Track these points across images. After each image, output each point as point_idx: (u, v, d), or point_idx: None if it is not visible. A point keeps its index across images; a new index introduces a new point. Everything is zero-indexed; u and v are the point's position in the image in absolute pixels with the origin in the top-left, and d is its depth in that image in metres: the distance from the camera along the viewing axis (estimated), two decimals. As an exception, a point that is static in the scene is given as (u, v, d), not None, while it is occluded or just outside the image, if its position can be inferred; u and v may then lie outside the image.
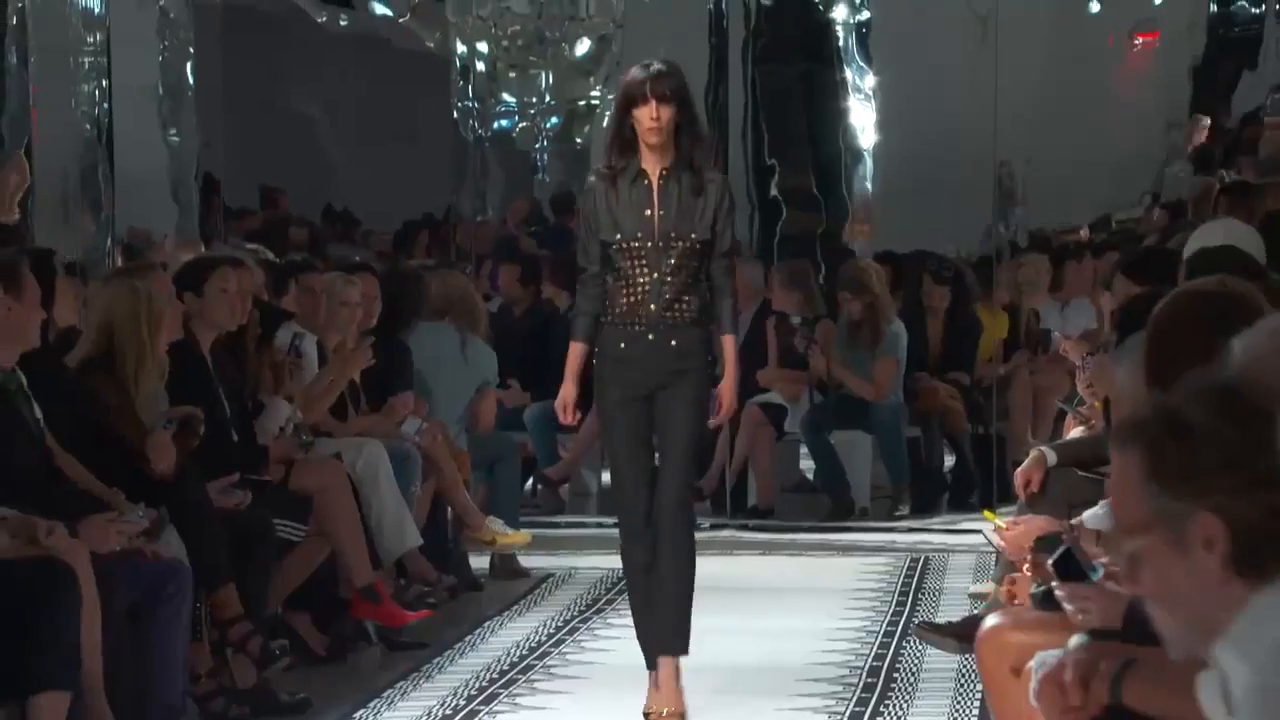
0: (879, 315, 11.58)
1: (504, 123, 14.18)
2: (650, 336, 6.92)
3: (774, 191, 12.56)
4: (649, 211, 6.90)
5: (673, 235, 6.89)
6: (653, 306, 6.90)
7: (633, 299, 6.91)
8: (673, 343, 6.92)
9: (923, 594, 9.44)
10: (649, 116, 6.85)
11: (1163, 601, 2.87)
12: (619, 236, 6.90)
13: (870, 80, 12.60)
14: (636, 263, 6.90)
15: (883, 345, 11.58)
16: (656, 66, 6.92)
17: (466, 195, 13.71)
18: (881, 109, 12.55)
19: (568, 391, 7.02)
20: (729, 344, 7.12)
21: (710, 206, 6.93)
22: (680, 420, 6.94)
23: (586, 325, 7.02)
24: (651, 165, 6.94)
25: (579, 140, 14.20)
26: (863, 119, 12.62)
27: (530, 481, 11.86)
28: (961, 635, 6.85)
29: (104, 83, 10.69)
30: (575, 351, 7.05)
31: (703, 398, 7.04)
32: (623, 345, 6.94)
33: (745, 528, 11.48)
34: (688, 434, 6.97)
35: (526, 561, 10.05)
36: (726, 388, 7.14)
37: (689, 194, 6.91)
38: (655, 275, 6.89)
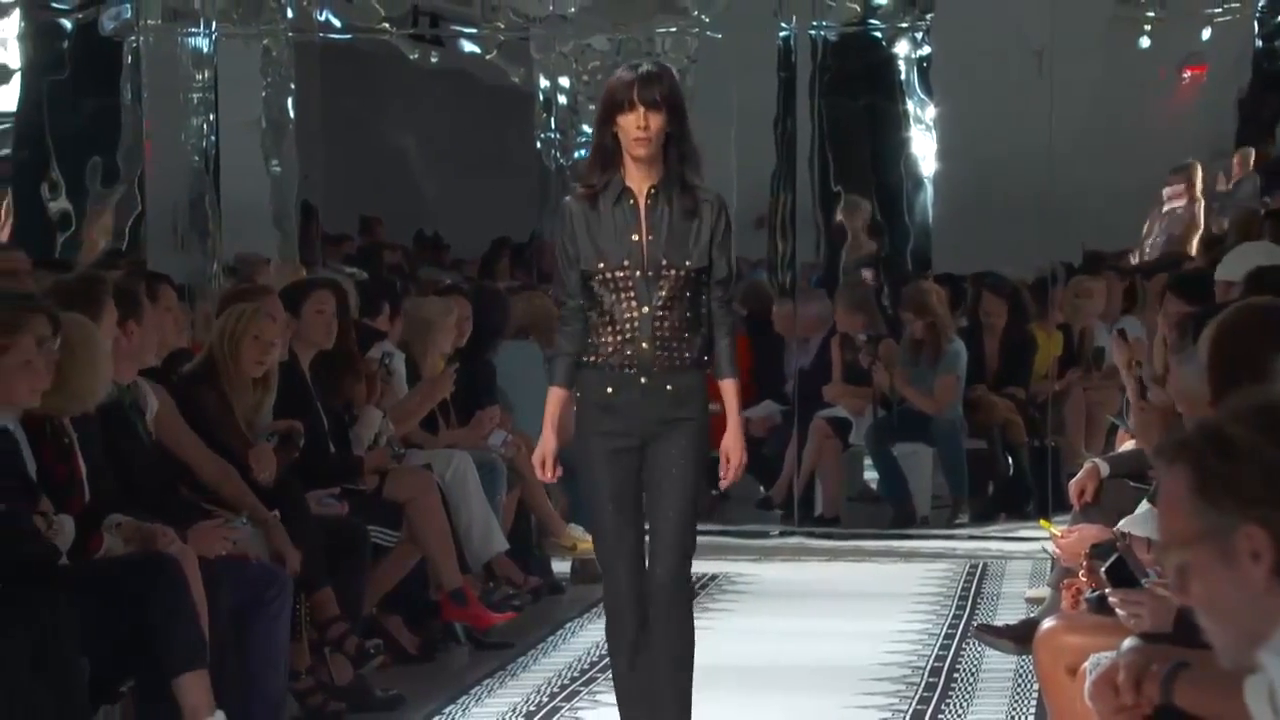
0: (940, 334, 11.55)
1: (584, 152, 14.24)
2: (643, 380, 5.67)
3: (839, 217, 12.53)
4: (635, 236, 5.67)
5: (663, 263, 5.67)
6: (644, 345, 5.67)
7: (620, 337, 5.68)
8: (668, 387, 5.68)
9: (981, 598, 9.39)
10: (636, 125, 5.62)
11: (1211, 611, 2.85)
12: (601, 266, 5.67)
13: (931, 111, 12.56)
14: (622, 295, 5.67)
15: (943, 362, 11.55)
16: (646, 68, 5.71)
17: (548, 220, 13.76)
18: (941, 139, 12.51)
19: (547, 444, 5.77)
20: (730, 390, 5.82)
21: (705, 230, 5.69)
22: (676, 479, 5.68)
23: (567, 368, 5.79)
24: (637, 182, 5.70)
25: (654, 169, 14.20)
26: (923, 148, 12.59)
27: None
28: (1019, 637, 6.82)
29: (211, 117, 10.77)
30: (554, 398, 5.80)
31: (702, 452, 5.76)
32: (609, 390, 5.69)
33: (812, 535, 11.45)
34: (685, 496, 5.69)
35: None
36: (732, 442, 5.78)
37: (681, 216, 5.68)
38: (645, 310, 5.66)
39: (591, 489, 5.74)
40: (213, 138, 10.99)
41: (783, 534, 11.38)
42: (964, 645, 8.13)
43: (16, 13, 9.90)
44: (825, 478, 11.77)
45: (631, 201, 5.69)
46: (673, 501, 5.68)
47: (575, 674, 7.73)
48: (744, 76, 12.49)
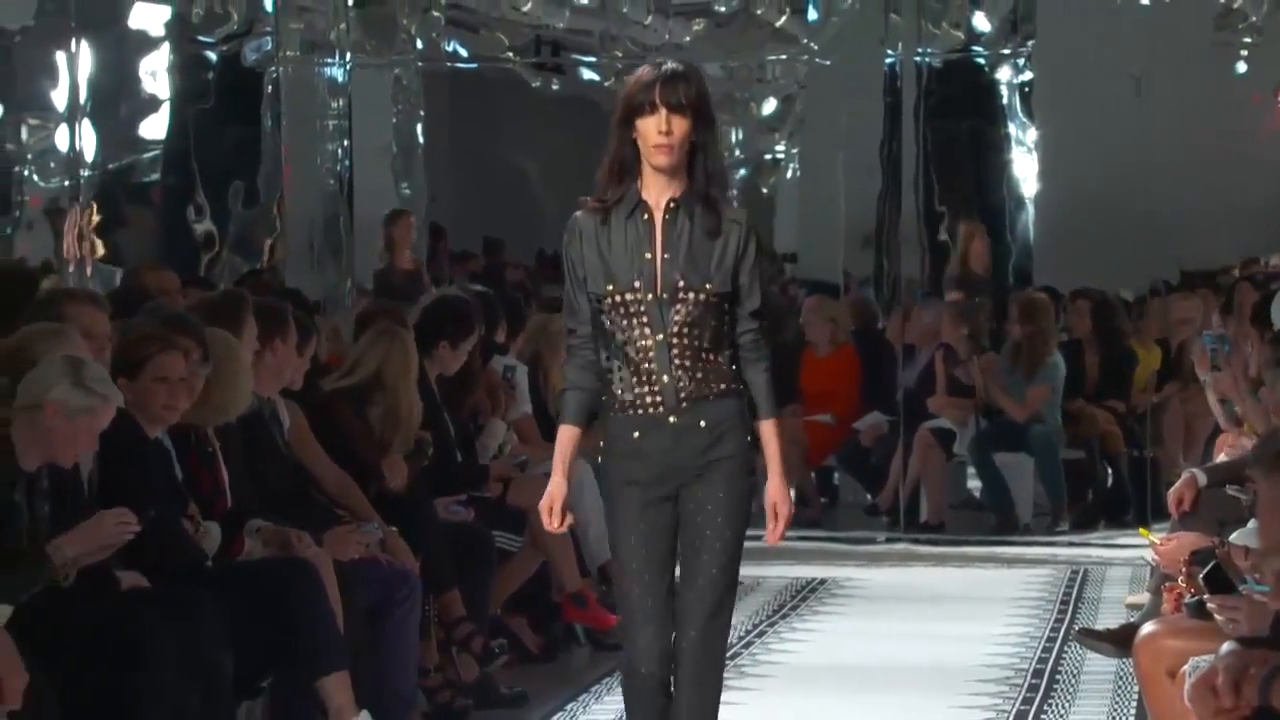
0: (1041, 344, 11.50)
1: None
2: (671, 420, 4.75)
3: (943, 235, 12.48)
4: (649, 254, 4.77)
5: (680, 285, 4.75)
6: (664, 379, 4.74)
7: (636, 372, 4.76)
8: (701, 423, 4.76)
9: (1082, 603, 9.31)
10: (656, 129, 4.74)
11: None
12: (610, 288, 4.78)
13: (1032, 134, 12.50)
14: (635, 321, 4.76)
15: (1041, 372, 11.48)
16: (670, 66, 4.82)
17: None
18: (1042, 160, 12.44)
19: (555, 488, 4.83)
20: (770, 432, 4.84)
21: (730, 252, 4.79)
22: (715, 530, 4.78)
23: (578, 403, 4.85)
24: (655, 195, 4.81)
25: (765, 190, 14.22)
26: (1025, 170, 12.52)
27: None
28: (1119, 641, 6.75)
29: (345, 143, 10.88)
30: (565, 437, 4.85)
31: (745, 495, 4.82)
32: (636, 435, 4.77)
33: (918, 541, 11.40)
34: (725, 550, 4.78)
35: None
36: (778, 492, 4.87)
37: (702, 234, 4.78)
38: (660, 336, 4.75)
39: (617, 540, 4.84)
40: (347, 162, 11.09)
41: (889, 540, 11.34)
42: (1066, 648, 8.07)
43: (166, 46, 10.05)
44: (930, 486, 11.72)
45: (646, 216, 4.80)
46: (711, 555, 4.77)
47: (690, 673, 7.72)
48: (851, 101, 12.48)
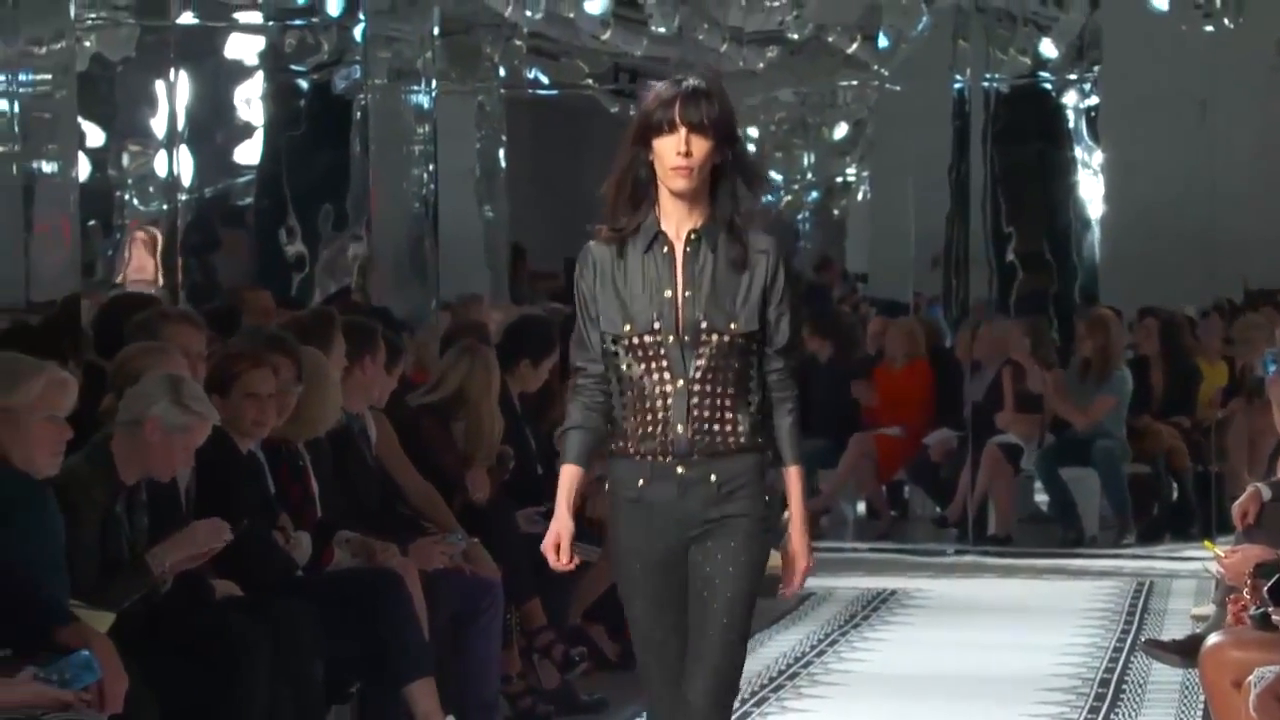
0: (1109, 358, 11.44)
1: (770, 197, 14.25)
2: (680, 471, 4.25)
3: (1010, 256, 12.43)
4: (669, 292, 4.23)
5: (703, 325, 4.22)
6: (679, 428, 4.22)
7: (652, 418, 4.24)
8: (713, 478, 4.25)
9: (1148, 614, 9.23)
10: (675, 150, 4.21)
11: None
12: (628, 329, 4.23)
13: (1098, 157, 12.43)
14: (654, 365, 4.23)
15: (1107, 385, 11.40)
16: (692, 82, 4.26)
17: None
18: (1108, 183, 12.37)
19: (561, 525, 4.33)
20: (794, 479, 4.35)
21: (757, 286, 4.24)
22: (720, 591, 4.27)
23: (580, 443, 4.34)
24: (674, 224, 4.26)
25: (836, 212, 14.21)
26: (1091, 192, 12.46)
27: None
28: (1185, 651, 6.69)
29: (431, 167, 10.92)
30: (568, 476, 4.35)
31: (757, 557, 4.29)
32: (641, 483, 4.27)
33: (986, 553, 11.34)
34: (732, 612, 4.27)
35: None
36: (798, 544, 4.33)
37: (727, 268, 4.23)
38: (680, 383, 4.22)
39: (628, 597, 4.37)
40: (432, 186, 11.13)
41: (958, 552, 11.30)
42: (1132, 658, 8.00)
43: (259, 75, 10.13)
44: (998, 499, 11.66)
45: (666, 249, 4.25)
46: (716, 617, 4.27)
47: (764, 681, 7.71)
48: (921, 126, 12.46)
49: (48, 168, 7.56)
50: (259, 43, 10.20)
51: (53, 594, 4.73)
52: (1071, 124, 12.48)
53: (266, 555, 5.74)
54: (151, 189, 10.17)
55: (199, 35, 10.02)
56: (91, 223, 9.75)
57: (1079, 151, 12.49)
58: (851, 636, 8.75)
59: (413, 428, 7.06)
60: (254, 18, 10.13)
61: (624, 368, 4.26)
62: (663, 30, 13.13)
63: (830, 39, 13.32)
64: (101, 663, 4.53)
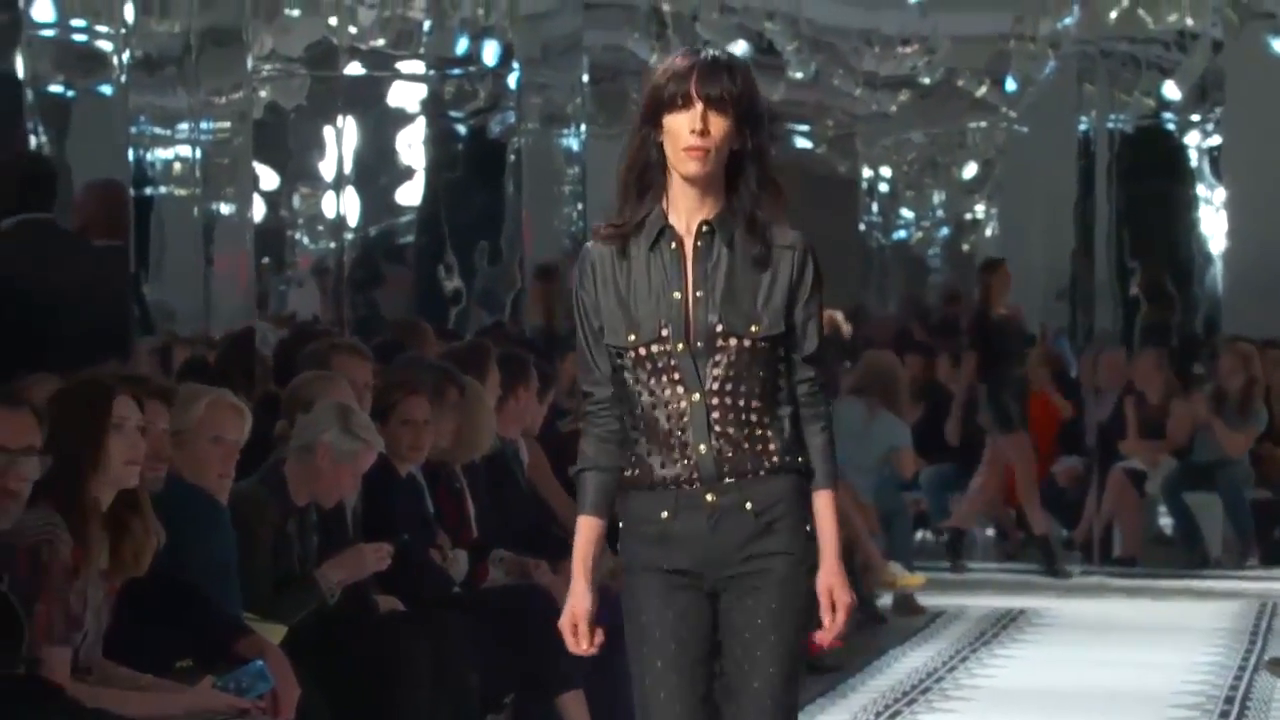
0: (1254, 391, 11.26)
1: (903, 234, 14.21)
2: (710, 498, 3.42)
3: (1134, 289, 12.28)
4: (677, 293, 3.43)
5: (718, 329, 3.42)
6: (702, 449, 3.41)
7: (670, 442, 3.42)
8: (748, 505, 3.43)
9: (1272, 634, 9.03)
10: (689, 128, 3.39)
11: None
12: (632, 338, 3.43)
13: (1220, 194, 12.25)
14: (665, 379, 3.42)
15: (1253, 418, 11.26)
16: (710, 53, 3.43)
17: (871, 294, 13.79)
18: (1231, 219, 12.19)
19: (578, 601, 3.48)
20: (827, 505, 3.47)
21: (781, 286, 3.46)
22: (766, 646, 3.44)
23: (599, 487, 3.49)
24: (684, 217, 3.45)
25: (965, 247, 14.11)
26: (1213, 228, 12.29)
27: (924, 533, 11.83)
28: (1308, 672, 6.54)
29: (580, 206, 10.98)
30: (585, 533, 3.50)
31: (802, 603, 3.47)
32: (664, 515, 3.43)
33: (1112, 574, 11.19)
34: (780, 670, 3.45)
35: (922, 600, 9.92)
36: (835, 579, 3.47)
37: (745, 265, 3.44)
38: (696, 397, 3.41)
39: (636, 637, 3.48)
40: (581, 224, 11.19)
41: (1084, 573, 11.15)
42: (1256, 677, 7.83)
43: (420, 121, 10.25)
44: (1123, 522, 11.52)
45: (674, 245, 3.44)
46: (764, 682, 3.43)
47: (897, 695, 7.63)
48: (1047, 165, 12.35)
49: (226, 209, 7.69)
50: (420, 91, 10.33)
51: (230, 608, 4.79)
52: (1194, 163, 12.30)
53: (424, 573, 5.78)
54: (320, 228, 10.33)
55: (365, 84, 10.16)
56: (265, 260, 9.91)
57: (1201, 189, 12.30)
58: (981, 654, 8.65)
59: (563, 453, 7.08)
60: (416, 67, 10.26)
61: (633, 384, 3.43)
62: (799, 75, 13.10)
63: (960, 83, 13.22)
64: (275, 672, 4.59)
